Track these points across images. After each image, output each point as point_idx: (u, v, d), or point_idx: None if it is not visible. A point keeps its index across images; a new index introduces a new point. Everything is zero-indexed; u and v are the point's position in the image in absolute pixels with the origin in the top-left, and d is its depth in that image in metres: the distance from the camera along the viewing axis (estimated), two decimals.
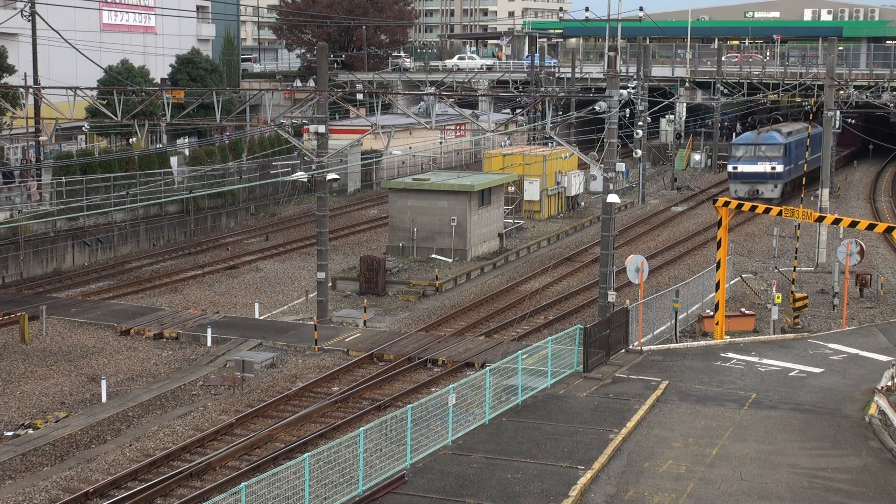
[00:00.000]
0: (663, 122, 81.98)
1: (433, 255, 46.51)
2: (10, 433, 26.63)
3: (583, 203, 62.83)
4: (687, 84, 79.25)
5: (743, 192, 63.27)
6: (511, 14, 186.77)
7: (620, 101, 33.26)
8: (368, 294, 41.02)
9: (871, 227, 33.59)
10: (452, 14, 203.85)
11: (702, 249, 49.65)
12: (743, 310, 36.92)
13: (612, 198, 32.74)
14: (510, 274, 45.29)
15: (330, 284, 39.44)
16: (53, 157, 54.57)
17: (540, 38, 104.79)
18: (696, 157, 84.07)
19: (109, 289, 42.79)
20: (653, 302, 33.99)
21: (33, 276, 44.45)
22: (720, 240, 33.33)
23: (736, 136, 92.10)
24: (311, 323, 35.73)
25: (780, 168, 63.59)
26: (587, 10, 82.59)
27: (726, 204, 33.50)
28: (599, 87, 78.24)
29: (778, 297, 34.84)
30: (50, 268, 45.68)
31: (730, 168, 65.06)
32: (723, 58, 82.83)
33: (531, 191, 57.77)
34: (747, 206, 36.38)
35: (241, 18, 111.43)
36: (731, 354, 31.27)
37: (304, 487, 18.83)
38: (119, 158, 53.01)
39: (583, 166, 60.08)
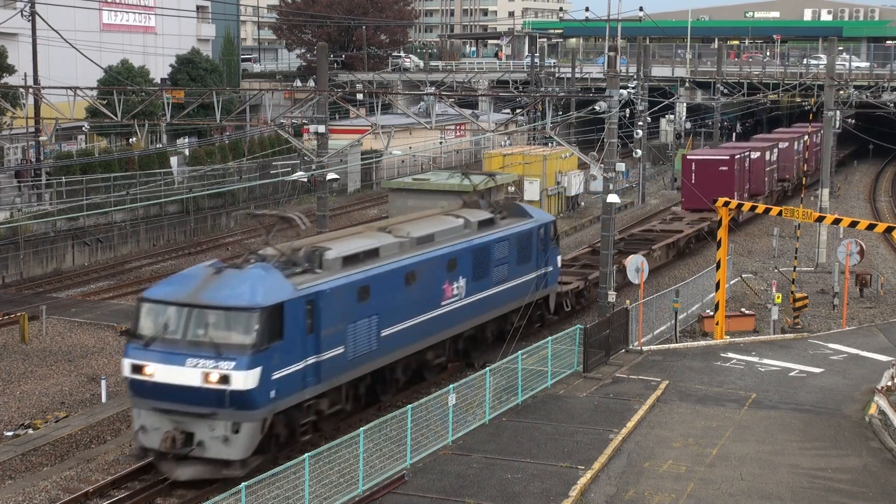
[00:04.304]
0: (663, 122, 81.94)
1: None
2: (10, 433, 26.63)
3: (583, 203, 62.81)
4: (687, 84, 79.23)
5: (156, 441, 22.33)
6: (511, 14, 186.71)
7: (620, 101, 33.24)
8: None
9: (871, 227, 33.61)
10: (452, 14, 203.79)
11: (702, 249, 49.62)
12: (743, 310, 36.92)
13: (612, 198, 32.74)
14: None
15: None
16: (53, 157, 54.58)
17: (540, 38, 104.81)
18: None
19: (109, 289, 42.77)
20: (653, 302, 33.99)
21: (33, 276, 44.43)
22: (720, 240, 33.32)
23: (736, 137, 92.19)
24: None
25: (247, 381, 22.27)
26: (587, 10, 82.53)
27: (726, 204, 33.51)
28: (599, 87, 78.21)
29: (778, 297, 34.83)
30: (50, 268, 45.66)
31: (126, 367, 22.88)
32: (724, 58, 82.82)
33: (531, 191, 57.70)
34: (747, 205, 36.41)
35: (241, 18, 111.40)
36: (731, 354, 31.27)
37: (304, 487, 18.84)
38: (119, 158, 53.04)
39: (583, 166, 60.05)
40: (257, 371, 21.28)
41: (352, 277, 24.26)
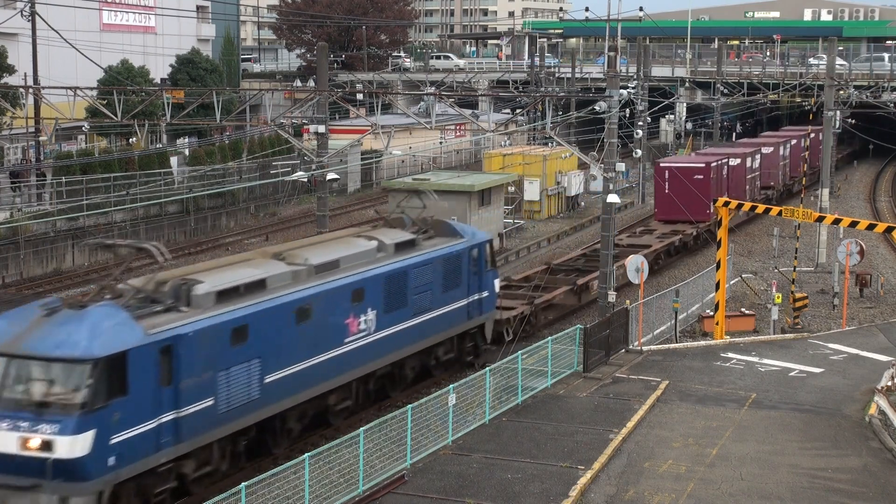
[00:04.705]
0: (663, 122, 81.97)
1: None
2: None
3: (583, 203, 62.82)
4: (687, 84, 79.24)
5: None
6: (511, 14, 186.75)
7: (620, 101, 33.24)
8: None
9: (871, 227, 33.63)
10: (452, 14, 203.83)
11: (702, 249, 49.61)
12: (743, 310, 36.92)
13: (612, 198, 32.73)
14: (510, 274, 45.22)
15: None
16: (53, 157, 54.59)
17: (540, 38, 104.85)
18: None
19: None
20: (653, 302, 33.99)
21: (33, 276, 44.42)
22: (720, 240, 33.33)
23: (736, 137, 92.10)
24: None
25: (74, 448, 18.57)
26: (587, 10, 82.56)
27: (726, 204, 33.52)
28: (599, 87, 78.22)
29: (778, 297, 34.83)
30: (50, 268, 45.66)
31: None
32: (724, 58, 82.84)
33: (531, 191, 57.75)
34: (747, 205, 36.42)
35: (241, 18, 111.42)
36: (731, 354, 31.26)
37: (304, 487, 18.83)
38: (119, 158, 53.04)
39: (583, 166, 60.06)
40: (89, 435, 17.93)
41: (225, 316, 20.83)
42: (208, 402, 20.41)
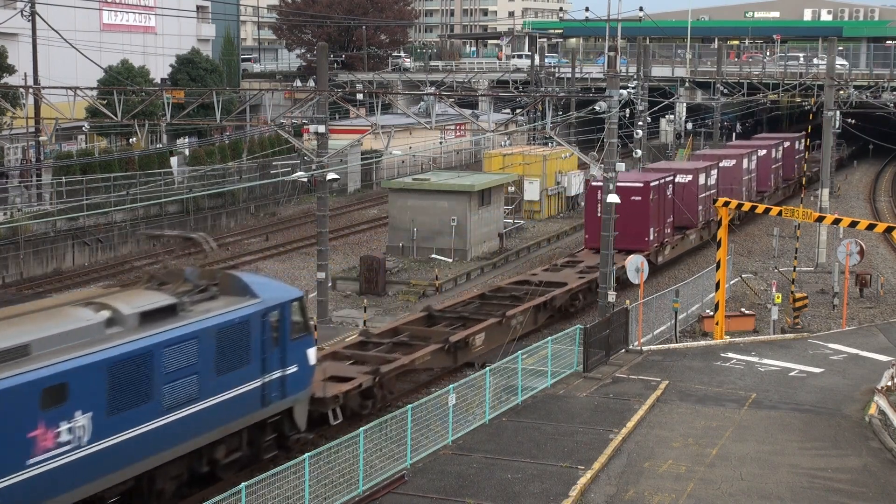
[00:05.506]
0: (663, 122, 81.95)
1: (433, 255, 46.53)
2: None
3: (583, 203, 62.79)
4: (687, 84, 79.25)
5: None
6: (511, 14, 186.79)
7: (620, 101, 33.26)
8: (368, 294, 41.00)
9: (871, 227, 33.66)
10: (452, 14, 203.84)
11: (702, 249, 49.63)
12: (743, 310, 36.94)
13: (612, 198, 32.74)
14: (510, 274, 45.27)
15: (330, 284, 39.43)
16: (53, 157, 54.59)
17: (540, 38, 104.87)
18: None
19: (110, 289, 42.75)
20: (653, 302, 34.01)
21: (33, 276, 44.44)
22: (720, 240, 33.34)
23: (736, 137, 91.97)
24: (311, 323, 35.64)
25: None
26: (587, 10, 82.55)
27: (726, 204, 33.54)
28: (599, 87, 78.23)
29: (778, 297, 34.85)
30: (50, 268, 45.68)
31: None
32: (724, 58, 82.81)
33: (531, 191, 57.80)
34: (747, 205, 36.42)
35: (241, 18, 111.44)
36: (731, 354, 31.27)
37: (304, 487, 18.84)
38: (119, 158, 53.04)
39: (583, 166, 60.07)
40: None
41: None
42: None
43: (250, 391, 21.87)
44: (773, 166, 63.04)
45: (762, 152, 61.73)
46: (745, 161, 57.50)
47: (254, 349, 21.92)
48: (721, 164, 53.74)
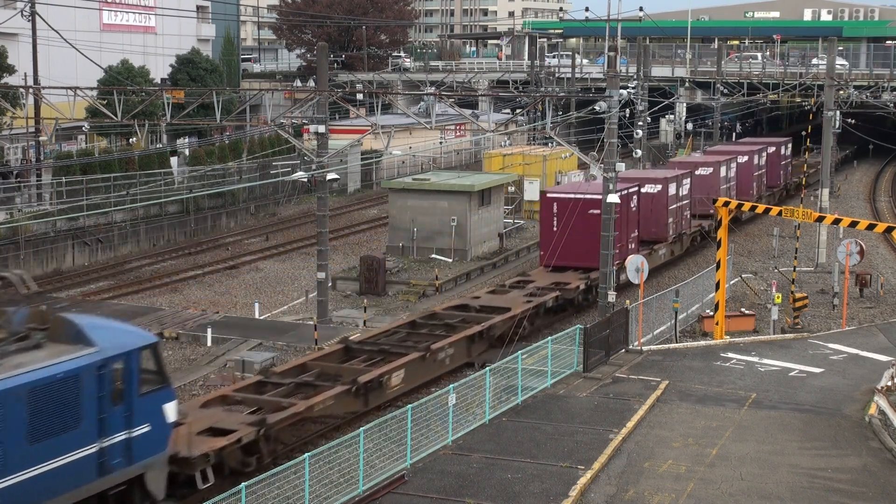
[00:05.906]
0: (663, 122, 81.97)
1: (433, 255, 46.53)
2: None
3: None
4: (687, 84, 79.28)
5: None
6: (511, 14, 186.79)
7: (620, 101, 33.27)
8: (368, 294, 41.01)
9: (871, 227, 33.66)
10: (452, 14, 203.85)
11: (702, 249, 49.63)
12: (743, 310, 36.94)
13: (612, 198, 32.75)
14: (510, 274, 45.27)
15: (330, 284, 39.45)
16: (53, 157, 54.60)
17: (540, 38, 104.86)
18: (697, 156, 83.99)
19: (109, 289, 42.78)
20: (653, 302, 34.01)
21: (33, 276, 44.31)
22: (720, 240, 33.35)
23: (736, 137, 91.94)
24: (311, 323, 35.70)
25: None
26: (587, 10, 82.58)
27: (726, 204, 33.55)
28: (599, 87, 78.25)
29: (778, 297, 34.86)
30: (50, 268, 45.67)
31: None
32: (724, 58, 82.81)
33: (531, 191, 57.77)
34: (747, 205, 36.44)
35: (241, 18, 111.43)
36: (731, 354, 31.28)
37: (304, 487, 18.85)
38: (119, 158, 53.06)
39: (583, 166, 60.06)
40: None
41: None
42: None
43: (81, 459, 18.19)
44: (756, 174, 59.11)
45: (743, 159, 57.48)
46: (724, 169, 53.77)
47: (86, 409, 18.22)
48: (696, 173, 50.45)
